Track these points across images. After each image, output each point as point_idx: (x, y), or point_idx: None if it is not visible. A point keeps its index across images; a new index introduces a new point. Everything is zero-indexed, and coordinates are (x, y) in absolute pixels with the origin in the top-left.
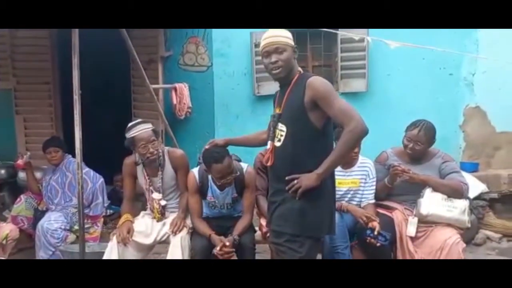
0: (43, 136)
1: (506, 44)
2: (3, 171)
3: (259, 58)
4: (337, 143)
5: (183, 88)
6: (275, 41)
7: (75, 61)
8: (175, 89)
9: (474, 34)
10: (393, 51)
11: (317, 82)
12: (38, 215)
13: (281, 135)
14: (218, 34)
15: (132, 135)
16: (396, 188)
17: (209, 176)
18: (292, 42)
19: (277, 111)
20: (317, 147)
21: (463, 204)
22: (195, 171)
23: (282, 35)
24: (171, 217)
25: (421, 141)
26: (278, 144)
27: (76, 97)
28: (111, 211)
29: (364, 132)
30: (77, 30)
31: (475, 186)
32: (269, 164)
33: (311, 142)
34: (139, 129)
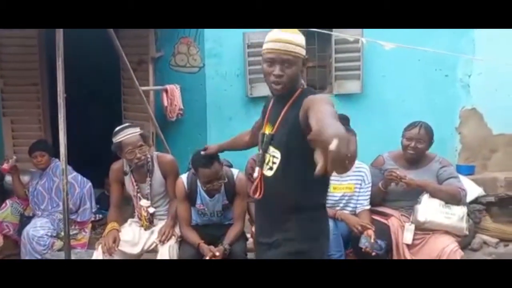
0: (31, 138)
1: (503, 44)
2: None
3: (252, 59)
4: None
5: (174, 89)
6: (285, 50)
7: (59, 63)
8: (166, 90)
9: (470, 34)
10: (388, 52)
11: (316, 95)
12: (24, 221)
13: (273, 162)
14: (210, 35)
15: (119, 140)
16: (392, 194)
17: (198, 182)
18: (304, 52)
19: (268, 130)
20: (317, 181)
21: (461, 210)
22: (183, 177)
23: (295, 43)
24: (159, 225)
25: (422, 139)
26: (269, 173)
27: (61, 101)
28: (100, 215)
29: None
30: (61, 31)
31: (472, 190)
32: (257, 196)
33: (310, 175)
34: (126, 134)
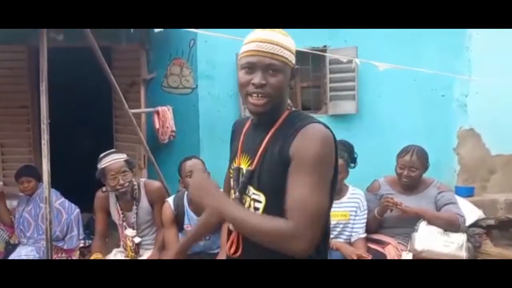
0: (21, 162)
1: (499, 64)
2: None
3: None
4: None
5: (166, 111)
6: (270, 52)
7: (43, 88)
8: (158, 112)
9: (465, 54)
10: (383, 72)
11: (316, 136)
12: (9, 249)
13: (256, 208)
14: (203, 56)
15: (103, 166)
16: (389, 220)
17: (185, 202)
18: (294, 60)
19: (244, 164)
20: None
21: (460, 238)
22: (170, 200)
23: (284, 45)
24: (145, 255)
25: (415, 166)
26: None
27: (44, 126)
28: (89, 241)
29: (297, 254)
30: (45, 53)
31: (471, 212)
32: (232, 253)
33: None
34: (110, 160)
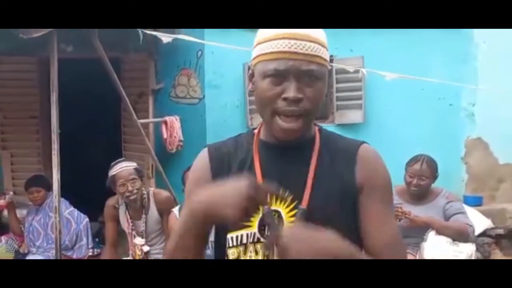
0: (31, 171)
1: (506, 72)
2: None
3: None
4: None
5: (174, 121)
6: (305, 53)
7: (53, 98)
8: (165, 122)
9: (472, 63)
10: (390, 82)
11: (379, 159)
12: (19, 258)
13: None
14: (210, 66)
15: (113, 173)
16: None
17: None
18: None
19: (281, 206)
20: None
21: (469, 248)
22: (175, 210)
23: (319, 40)
24: None
25: (425, 175)
26: None
27: (55, 137)
28: (98, 250)
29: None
30: (55, 66)
31: (480, 222)
32: None
33: None
34: (120, 167)
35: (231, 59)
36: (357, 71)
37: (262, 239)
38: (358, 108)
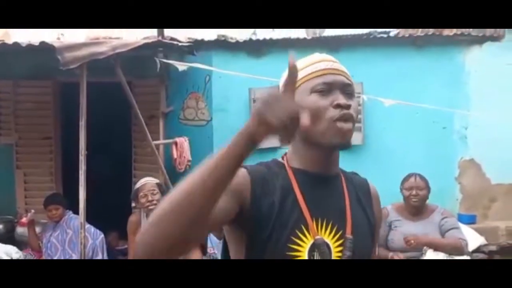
0: (43, 190)
1: (496, 98)
2: (1, 226)
3: None
4: None
5: (184, 142)
6: (344, 70)
7: (82, 122)
8: (176, 143)
9: (465, 89)
10: (388, 106)
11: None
12: None
13: None
14: (218, 90)
15: (137, 187)
16: (397, 245)
17: None
18: None
19: (327, 236)
20: None
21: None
22: None
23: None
24: None
25: (421, 186)
26: None
27: (82, 158)
28: None
29: None
30: (84, 93)
31: (474, 239)
32: None
33: None
34: (143, 181)
35: (238, 84)
36: (357, 97)
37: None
38: (357, 130)
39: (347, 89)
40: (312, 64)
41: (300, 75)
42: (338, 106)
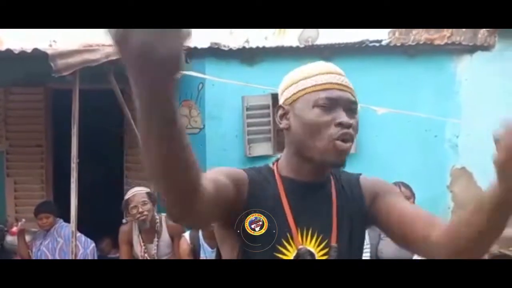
0: (33, 198)
1: (486, 107)
2: None
3: (251, 120)
4: None
5: None
6: (350, 87)
7: (74, 130)
8: None
9: (456, 98)
10: (380, 115)
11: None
12: None
13: None
14: (211, 98)
15: (126, 198)
16: (388, 251)
17: (200, 236)
18: None
19: (312, 245)
20: None
21: None
22: (186, 234)
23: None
24: None
25: (407, 195)
26: None
27: (74, 165)
28: None
29: None
30: (77, 101)
31: None
32: None
33: None
34: (133, 192)
35: (231, 92)
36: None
37: None
38: None
39: (350, 107)
40: (317, 75)
41: (304, 85)
42: (340, 124)
